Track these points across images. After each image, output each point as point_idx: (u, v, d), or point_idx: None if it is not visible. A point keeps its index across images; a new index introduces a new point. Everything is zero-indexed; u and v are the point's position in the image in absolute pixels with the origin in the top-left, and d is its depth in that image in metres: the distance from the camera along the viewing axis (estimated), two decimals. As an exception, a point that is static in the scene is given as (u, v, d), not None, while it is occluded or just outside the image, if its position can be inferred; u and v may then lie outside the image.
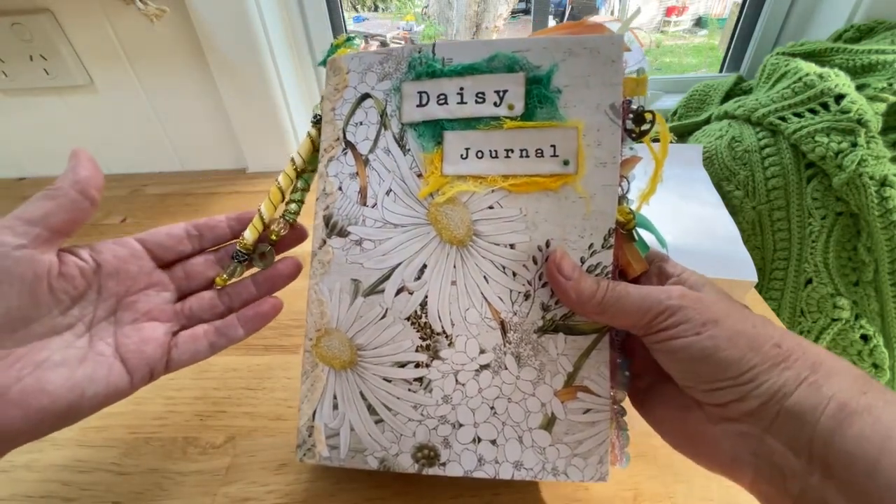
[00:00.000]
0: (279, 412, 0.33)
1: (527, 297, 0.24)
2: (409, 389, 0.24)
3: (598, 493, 0.27)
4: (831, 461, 0.15)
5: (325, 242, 0.25)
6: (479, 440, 0.24)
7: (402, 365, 0.25)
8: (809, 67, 0.46)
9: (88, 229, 0.56)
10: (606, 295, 0.21)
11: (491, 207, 0.24)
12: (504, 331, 0.24)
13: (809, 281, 0.46)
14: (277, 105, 0.59)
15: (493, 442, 0.24)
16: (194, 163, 0.68)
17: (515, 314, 0.24)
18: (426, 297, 0.24)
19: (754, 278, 0.34)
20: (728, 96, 0.60)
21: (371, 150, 0.25)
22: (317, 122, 0.27)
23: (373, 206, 0.25)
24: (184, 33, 0.55)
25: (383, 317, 0.25)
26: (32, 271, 0.20)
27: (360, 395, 0.25)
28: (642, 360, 0.23)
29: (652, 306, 0.19)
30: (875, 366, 0.45)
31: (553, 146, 0.23)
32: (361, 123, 0.25)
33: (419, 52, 0.24)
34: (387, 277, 0.25)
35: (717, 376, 0.18)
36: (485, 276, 0.24)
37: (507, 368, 0.24)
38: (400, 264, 0.24)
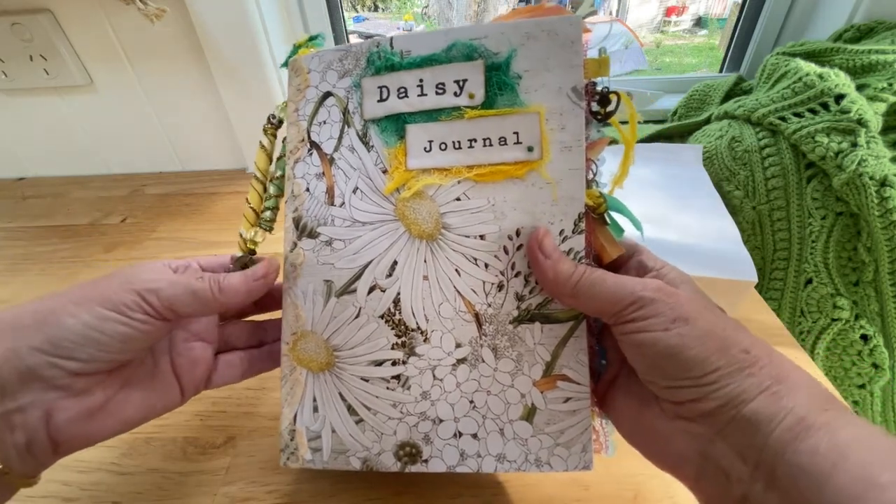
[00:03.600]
0: (279, 412, 0.32)
1: (500, 287, 0.23)
2: (388, 388, 0.24)
3: (598, 493, 0.27)
4: (779, 472, 0.15)
5: (295, 245, 0.25)
6: (461, 435, 0.24)
7: (379, 363, 0.24)
8: (809, 67, 0.46)
9: (89, 230, 0.56)
10: (582, 279, 0.20)
11: (458, 199, 0.23)
12: (479, 323, 0.24)
13: (809, 281, 0.46)
14: (277, 105, 0.59)
15: (475, 436, 0.24)
16: (194, 163, 0.68)
17: (490, 306, 0.23)
18: (399, 293, 0.24)
19: (754, 278, 0.34)
20: (728, 96, 0.60)
21: (336, 149, 0.25)
22: (273, 125, 0.27)
23: (340, 206, 0.25)
24: (184, 33, 0.55)
25: (357, 316, 0.25)
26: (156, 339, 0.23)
27: (339, 396, 0.25)
28: (612, 351, 0.23)
29: (625, 296, 0.19)
30: (875, 366, 0.45)
31: (516, 133, 0.23)
32: (325, 122, 0.25)
33: (377, 47, 0.24)
34: (358, 276, 0.24)
35: (680, 374, 0.18)
36: (456, 269, 0.24)
37: (484, 361, 0.24)
38: (371, 262, 0.24)
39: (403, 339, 0.24)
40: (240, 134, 0.63)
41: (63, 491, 0.28)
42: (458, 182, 0.23)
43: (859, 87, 0.45)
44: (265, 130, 0.27)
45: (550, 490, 0.27)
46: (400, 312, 0.24)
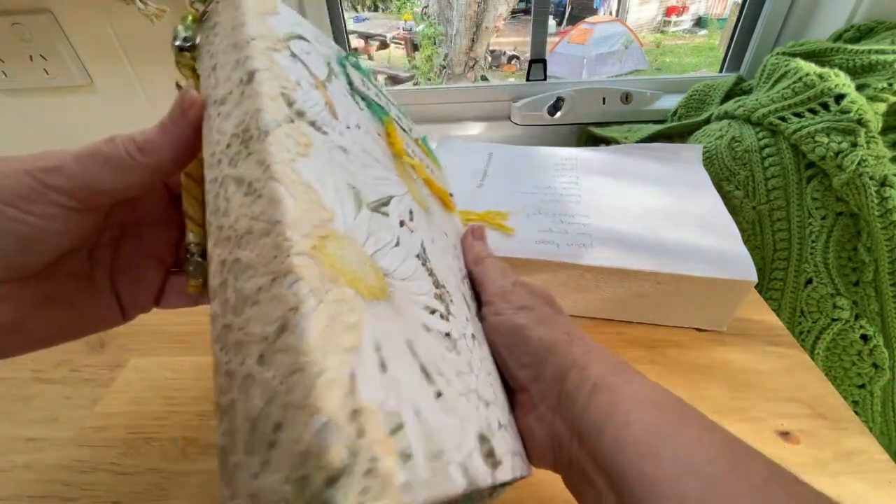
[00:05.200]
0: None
1: (464, 279, 0.25)
2: (446, 347, 0.17)
3: (598, 493, 0.27)
4: (582, 430, 0.18)
5: (293, 121, 0.16)
6: (501, 426, 0.18)
7: (432, 311, 0.18)
8: (809, 67, 0.46)
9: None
10: (487, 259, 0.26)
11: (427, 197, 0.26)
12: (467, 305, 0.23)
13: (809, 281, 0.46)
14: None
15: (500, 425, 0.19)
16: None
17: (465, 294, 0.24)
18: (423, 242, 0.21)
19: (754, 278, 0.34)
20: (728, 96, 0.60)
21: (327, 79, 0.21)
22: (188, 49, 0.20)
23: (346, 128, 0.20)
24: (184, 33, 0.55)
25: (397, 244, 0.18)
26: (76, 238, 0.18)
27: (408, 345, 0.15)
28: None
29: (500, 283, 0.24)
30: (875, 366, 0.45)
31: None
32: (308, 53, 0.20)
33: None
34: (386, 203, 0.19)
35: (523, 351, 0.21)
36: (443, 248, 0.24)
37: (480, 345, 0.21)
38: (395, 197, 0.20)
39: (439, 290, 0.20)
40: (240, 134, 0.63)
41: (63, 491, 0.28)
42: (423, 185, 0.26)
43: (859, 87, 0.45)
44: (178, 63, 0.20)
45: (550, 490, 0.27)
46: (428, 262, 0.20)
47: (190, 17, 0.21)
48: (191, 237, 0.21)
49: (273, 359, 0.11)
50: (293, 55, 0.20)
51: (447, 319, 0.19)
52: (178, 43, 0.20)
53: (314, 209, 0.14)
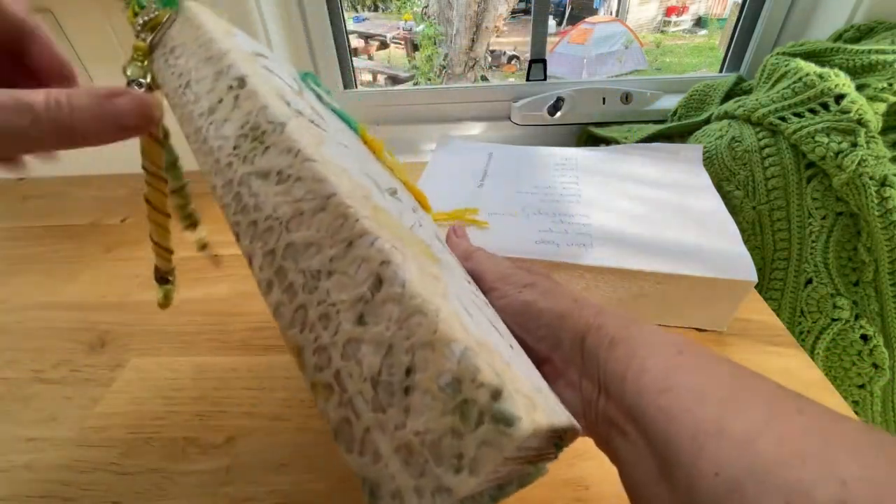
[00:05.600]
0: (279, 412, 0.33)
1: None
2: (493, 315, 0.19)
3: (598, 493, 0.27)
4: (607, 383, 0.18)
5: (298, 117, 0.17)
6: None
7: (469, 282, 0.20)
8: (809, 67, 0.46)
9: (89, 229, 0.56)
10: (477, 252, 0.27)
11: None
12: None
13: (809, 281, 0.46)
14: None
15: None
16: (195, 163, 0.68)
17: None
18: (434, 230, 0.23)
19: (754, 278, 0.34)
20: (728, 96, 0.60)
21: (299, 93, 0.21)
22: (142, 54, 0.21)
23: (336, 129, 0.20)
24: (184, 33, 0.55)
25: (421, 226, 0.19)
26: None
27: (474, 303, 0.16)
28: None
29: (496, 270, 0.25)
30: (875, 366, 0.45)
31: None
32: (276, 68, 0.21)
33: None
34: (394, 192, 0.19)
35: (536, 324, 0.21)
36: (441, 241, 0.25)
37: None
38: (398, 190, 0.22)
39: (463, 270, 0.22)
40: (240, 134, 0.63)
41: (63, 491, 0.28)
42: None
43: (859, 87, 0.45)
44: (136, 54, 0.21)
45: (551, 490, 0.27)
46: (445, 246, 0.22)
47: (140, 53, 0.21)
48: (163, 265, 0.26)
49: (378, 312, 0.11)
50: (267, 68, 0.20)
51: (478, 296, 0.20)
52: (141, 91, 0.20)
53: (354, 185, 0.14)
